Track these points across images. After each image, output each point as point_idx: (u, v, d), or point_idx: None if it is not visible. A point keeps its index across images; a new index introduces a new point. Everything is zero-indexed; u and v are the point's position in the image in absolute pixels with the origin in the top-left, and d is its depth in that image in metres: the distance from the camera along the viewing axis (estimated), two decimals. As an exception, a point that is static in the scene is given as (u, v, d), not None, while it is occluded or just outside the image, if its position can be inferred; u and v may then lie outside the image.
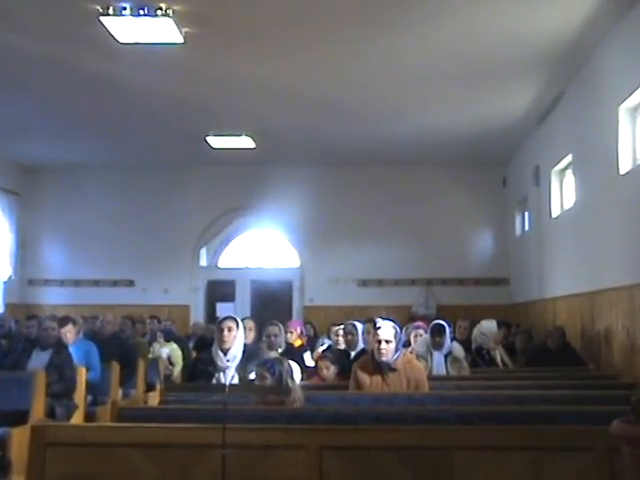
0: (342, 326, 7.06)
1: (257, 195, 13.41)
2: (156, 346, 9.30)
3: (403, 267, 13.16)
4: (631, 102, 6.88)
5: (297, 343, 7.79)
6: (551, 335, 7.96)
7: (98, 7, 6.46)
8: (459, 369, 6.53)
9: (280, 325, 6.66)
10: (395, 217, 13.22)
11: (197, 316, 13.62)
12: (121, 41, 7.03)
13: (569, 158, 9.10)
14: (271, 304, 13.50)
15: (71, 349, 6.91)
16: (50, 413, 6.06)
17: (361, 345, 6.54)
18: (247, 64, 8.11)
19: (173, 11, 6.50)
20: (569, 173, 9.46)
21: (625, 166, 6.94)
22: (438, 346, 6.54)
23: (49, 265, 13.74)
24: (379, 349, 5.00)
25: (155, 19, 6.50)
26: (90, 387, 6.97)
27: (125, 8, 6.42)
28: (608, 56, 7.30)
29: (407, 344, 6.73)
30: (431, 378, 5.60)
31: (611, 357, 7.32)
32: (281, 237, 14.39)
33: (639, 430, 2.83)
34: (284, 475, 3.53)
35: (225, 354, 5.20)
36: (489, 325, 7.48)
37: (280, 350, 6.40)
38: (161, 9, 6.43)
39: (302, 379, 5.59)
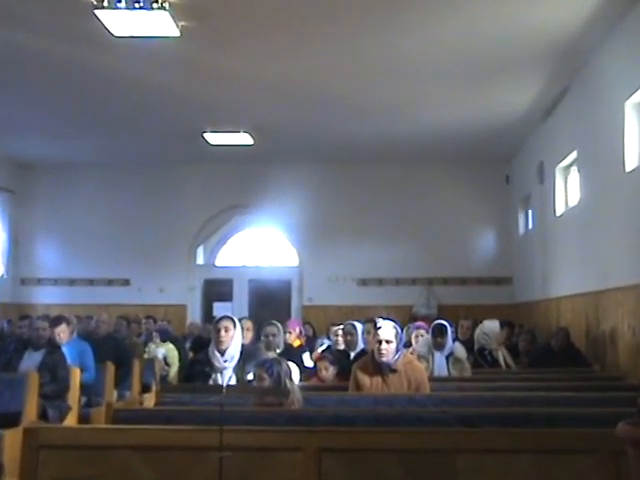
0: (341, 326, 7.05)
1: (255, 193, 13.41)
2: (152, 346, 9.30)
3: (404, 266, 13.16)
4: (638, 97, 6.87)
5: (296, 343, 7.79)
6: (555, 335, 7.96)
7: (93, 0, 6.45)
8: (461, 370, 6.53)
9: (279, 325, 6.65)
10: (396, 215, 13.23)
11: (194, 316, 13.62)
12: (116, 34, 7.02)
13: (574, 155, 9.10)
14: (269, 304, 13.50)
15: (65, 349, 6.89)
16: (43, 415, 6.05)
17: (361, 345, 6.54)
18: (245, 59, 8.09)
19: (169, 4, 6.49)
20: (574, 170, 9.46)
21: (631, 163, 6.93)
22: (439, 347, 6.53)
23: (43, 264, 13.74)
24: (379, 349, 4.99)
25: (151, 12, 6.48)
26: (84, 388, 6.96)
27: (120, 1, 6.41)
28: (614, 50, 7.29)
29: (408, 344, 6.72)
30: (432, 379, 5.59)
31: (617, 358, 7.32)
32: (280, 235, 14.39)
33: (645, 432, 2.82)
34: (282, 478, 3.52)
35: (222, 354, 5.19)
36: (492, 325, 7.47)
37: (278, 350, 6.39)
38: (157, 2, 6.42)
39: (301, 380, 5.59)
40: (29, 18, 7.05)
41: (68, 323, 7.37)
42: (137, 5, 6.41)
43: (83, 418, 6.71)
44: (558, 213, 9.89)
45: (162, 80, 8.78)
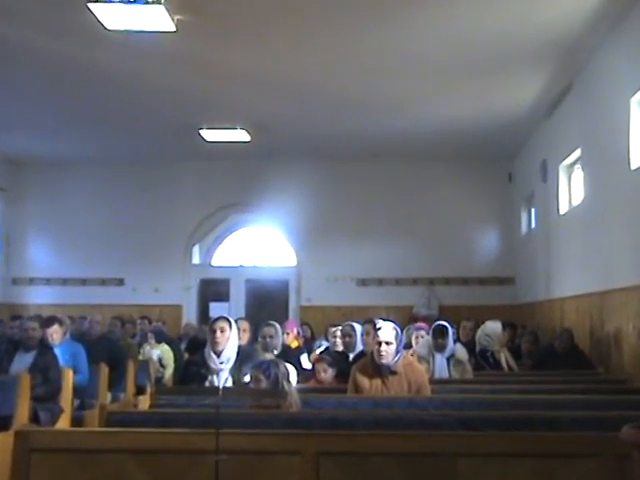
0: (340, 327, 7.05)
1: (252, 191, 13.40)
2: (146, 347, 9.30)
3: (404, 266, 13.16)
4: (643, 94, 6.88)
5: (294, 345, 7.80)
6: (558, 337, 7.96)
7: (86, -7, 6.45)
8: (462, 372, 6.53)
9: (276, 326, 6.65)
10: (396, 213, 13.23)
11: (189, 316, 13.62)
12: (110, 28, 7.00)
13: (578, 152, 9.10)
14: (266, 304, 13.51)
15: (57, 350, 6.89)
16: (34, 418, 6.04)
17: (360, 347, 6.54)
18: (242, 54, 8.09)
19: (165, -3, 6.49)
20: (578, 168, 9.46)
21: (636, 161, 6.93)
22: (440, 348, 6.54)
23: (35, 263, 13.73)
24: (379, 351, 5.00)
25: (146, 6, 6.47)
26: (77, 390, 6.95)
27: (114, -6, 6.40)
28: (619, 47, 7.29)
29: (408, 346, 6.73)
30: (433, 381, 5.60)
31: (621, 360, 7.32)
32: (277, 234, 14.39)
33: (650, 436, 2.82)
34: (279, 482, 3.53)
35: (218, 356, 5.19)
36: (494, 326, 7.47)
37: (276, 352, 6.39)
38: (152, -5, 6.41)
39: (298, 382, 5.59)
40: (19, 10, 7.01)
41: (61, 324, 7.37)
42: (131, -2, 6.41)
43: (76, 421, 6.70)
44: (562, 212, 9.89)
45: (157, 76, 8.77)
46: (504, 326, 7.78)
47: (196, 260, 14.55)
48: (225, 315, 5.49)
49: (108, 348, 8.38)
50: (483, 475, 3.49)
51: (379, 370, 5.06)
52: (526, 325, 10.75)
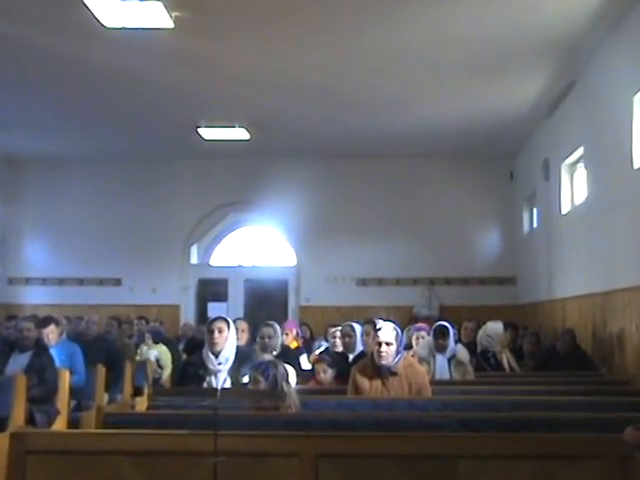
0: (340, 327, 7.05)
1: (251, 190, 13.40)
2: (144, 348, 9.30)
3: (404, 265, 13.16)
4: (646, 92, 6.88)
5: (293, 345, 7.79)
6: (561, 337, 7.97)
7: (83, -11, 6.45)
8: (463, 373, 6.53)
9: (275, 326, 6.64)
10: (396, 212, 13.23)
11: (187, 316, 13.62)
12: (107, 25, 7.00)
13: (580, 151, 9.10)
14: (265, 304, 13.51)
15: (54, 351, 6.87)
16: (30, 419, 6.04)
17: (360, 347, 6.54)
18: (241, 51, 8.08)
19: (162, -6, 6.49)
20: (580, 167, 9.46)
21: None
22: (441, 349, 6.54)
23: (31, 262, 13.72)
24: (379, 352, 5.00)
25: (143, 2, 6.48)
26: (74, 391, 6.94)
27: (111, -10, 6.40)
28: (621, 44, 7.29)
29: (408, 347, 6.73)
30: (434, 382, 5.60)
31: (624, 361, 7.33)
32: (276, 234, 14.38)
33: (653, 438, 2.83)
34: (278, 484, 3.53)
35: (216, 357, 5.19)
36: (495, 327, 7.47)
37: (275, 352, 6.39)
38: (150, -9, 6.41)
39: (298, 383, 5.59)
40: (14, 7, 7.01)
41: (57, 324, 7.36)
42: (129, -6, 6.41)
43: (72, 422, 6.70)
44: (564, 211, 9.90)
45: (154, 73, 8.77)
46: (506, 327, 7.78)
47: (194, 260, 14.54)
48: (223, 315, 5.50)
49: (105, 349, 8.37)
50: (484, 477, 3.49)
51: (379, 371, 5.06)
52: (528, 326, 10.75)
